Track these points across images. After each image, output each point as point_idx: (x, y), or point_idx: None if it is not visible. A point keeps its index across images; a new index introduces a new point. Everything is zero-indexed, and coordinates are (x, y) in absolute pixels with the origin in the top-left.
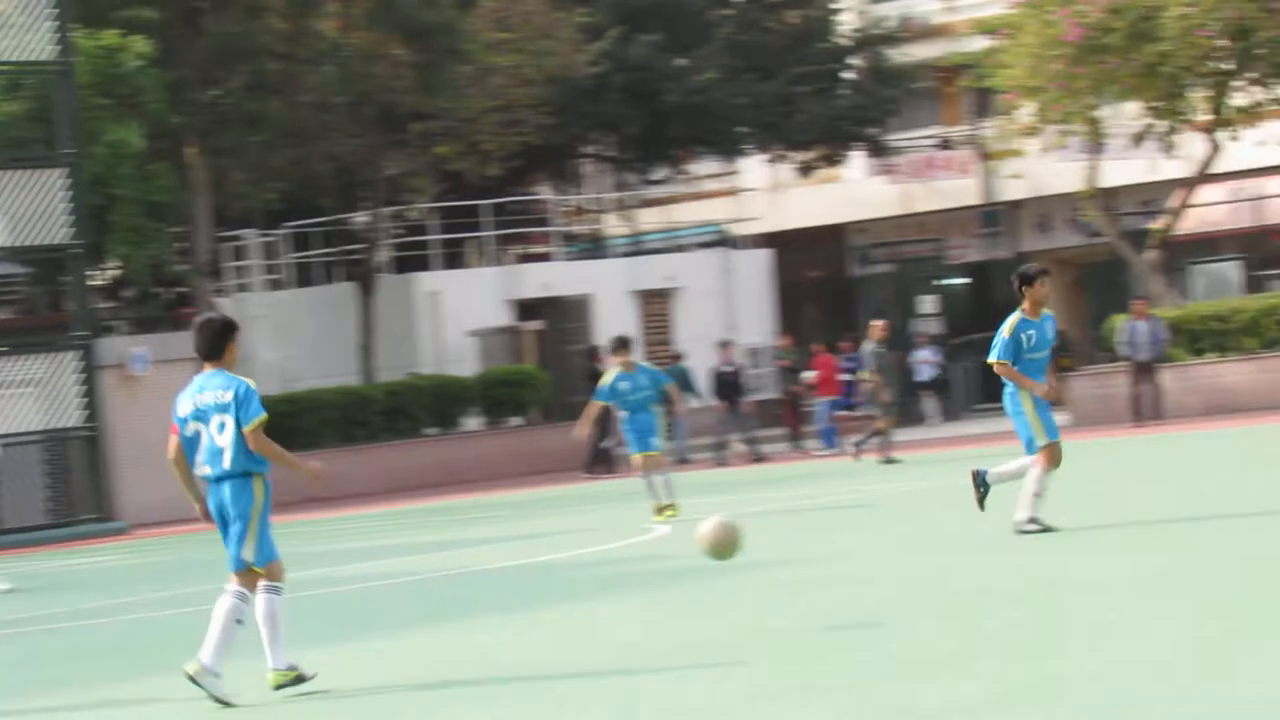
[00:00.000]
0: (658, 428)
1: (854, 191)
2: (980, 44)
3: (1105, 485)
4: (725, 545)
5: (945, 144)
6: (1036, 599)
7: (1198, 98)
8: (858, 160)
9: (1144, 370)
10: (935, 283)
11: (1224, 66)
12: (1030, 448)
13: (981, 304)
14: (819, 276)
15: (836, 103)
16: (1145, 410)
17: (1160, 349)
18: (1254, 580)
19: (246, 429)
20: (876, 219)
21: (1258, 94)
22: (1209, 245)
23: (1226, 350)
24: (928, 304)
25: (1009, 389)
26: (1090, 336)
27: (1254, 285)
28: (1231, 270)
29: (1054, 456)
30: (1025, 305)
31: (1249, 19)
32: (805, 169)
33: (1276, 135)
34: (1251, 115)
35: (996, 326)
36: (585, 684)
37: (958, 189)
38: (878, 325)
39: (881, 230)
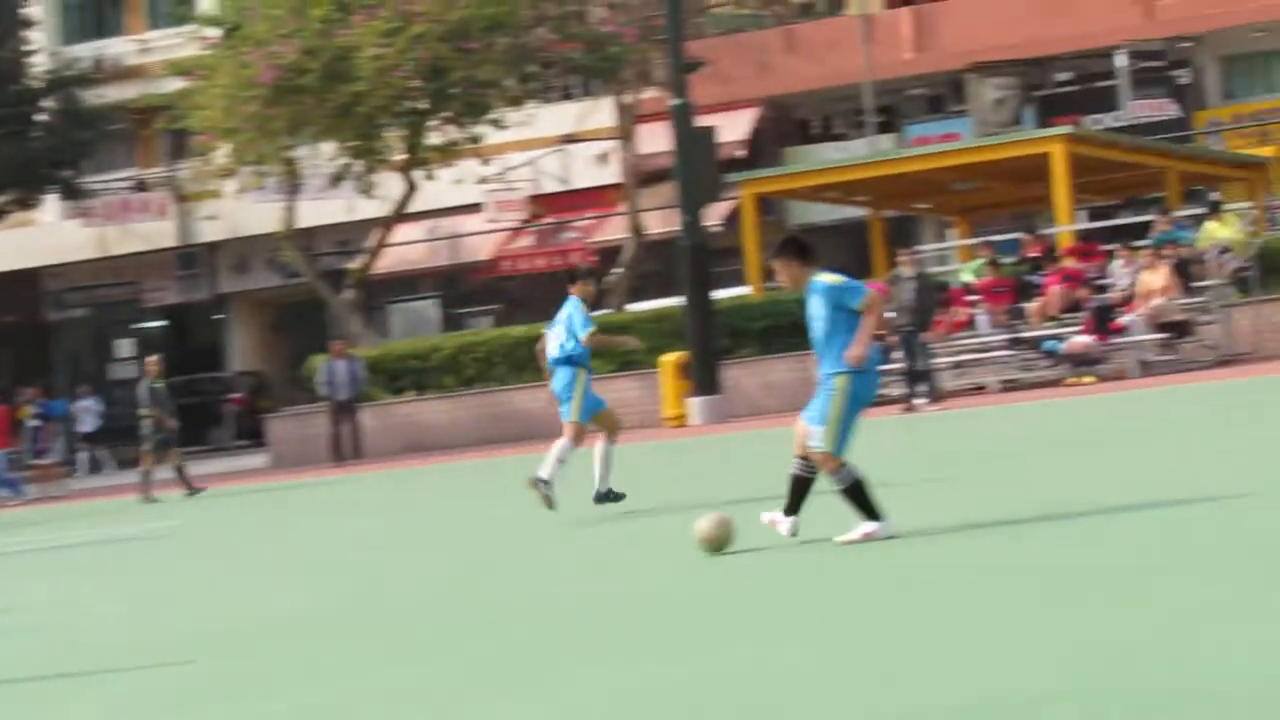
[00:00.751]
0: None
1: (48, 235)
2: (175, 85)
3: (299, 525)
4: (719, 539)
5: (142, 186)
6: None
7: (394, 137)
8: (52, 203)
9: (343, 410)
10: (133, 326)
11: (419, 106)
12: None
13: (180, 346)
14: (13, 321)
15: (30, 145)
16: (345, 450)
17: (359, 388)
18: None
19: None
20: (72, 262)
21: (452, 133)
22: (407, 284)
23: (425, 389)
24: (125, 347)
25: (567, 376)
26: (290, 377)
27: (452, 323)
28: (430, 309)
29: (580, 435)
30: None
31: (442, 59)
32: None
33: (471, 174)
34: (447, 154)
35: (196, 369)
36: None
37: (155, 231)
38: (152, 361)
39: (78, 274)
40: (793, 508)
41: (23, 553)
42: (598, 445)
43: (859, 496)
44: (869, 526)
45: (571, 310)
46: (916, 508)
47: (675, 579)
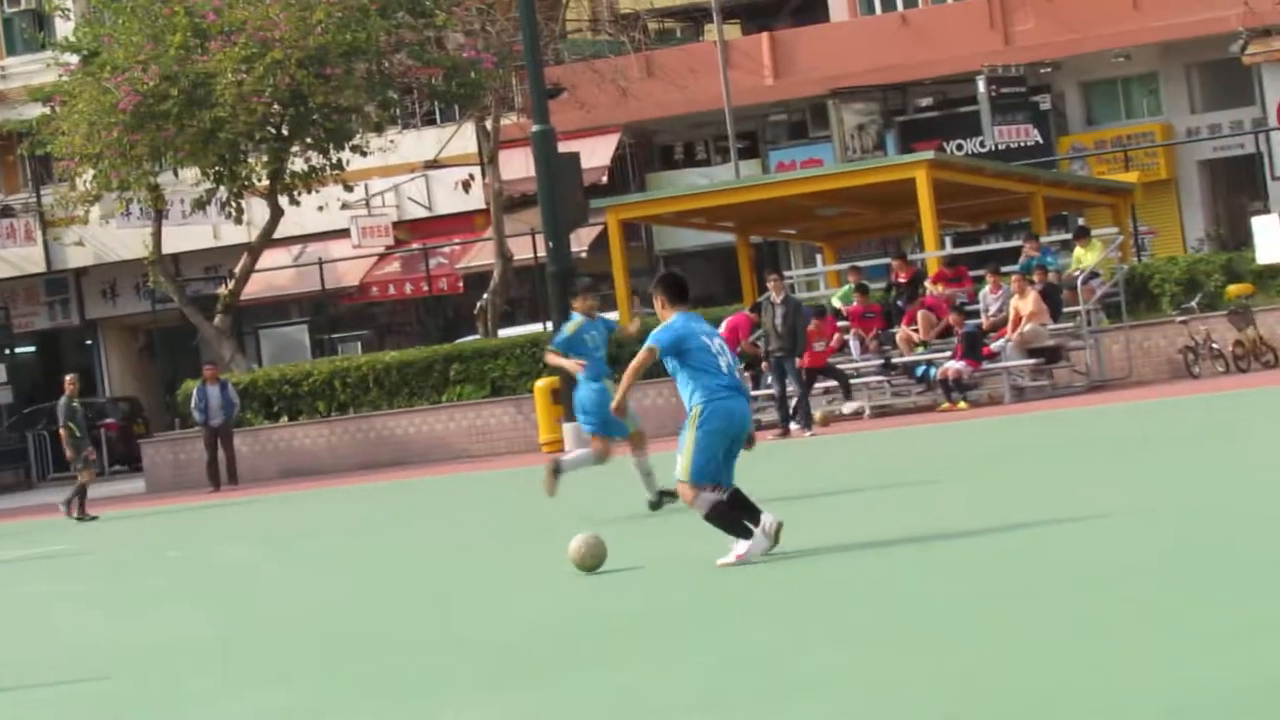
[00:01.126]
0: None
1: None
2: (36, 111)
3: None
4: (589, 557)
5: (6, 211)
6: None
7: (257, 163)
8: None
9: (218, 435)
10: (3, 352)
11: (281, 132)
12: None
13: (49, 372)
14: None
15: None
16: (221, 475)
17: (233, 413)
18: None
19: None
20: None
21: (315, 159)
22: (277, 309)
23: (299, 414)
24: None
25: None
26: (163, 402)
27: (322, 349)
28: (300, 334)
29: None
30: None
31: (301, 85)
32: None
33: (336, 200)
34: (310, 180)
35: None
36: None
37: (22, 257)
38: (71, 379)
39: None
40: (743, 531)
41: None
42: (632, 460)
43: (724, 520)
44: (740, 547)
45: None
46: (797, 532)
47: (548, 604)
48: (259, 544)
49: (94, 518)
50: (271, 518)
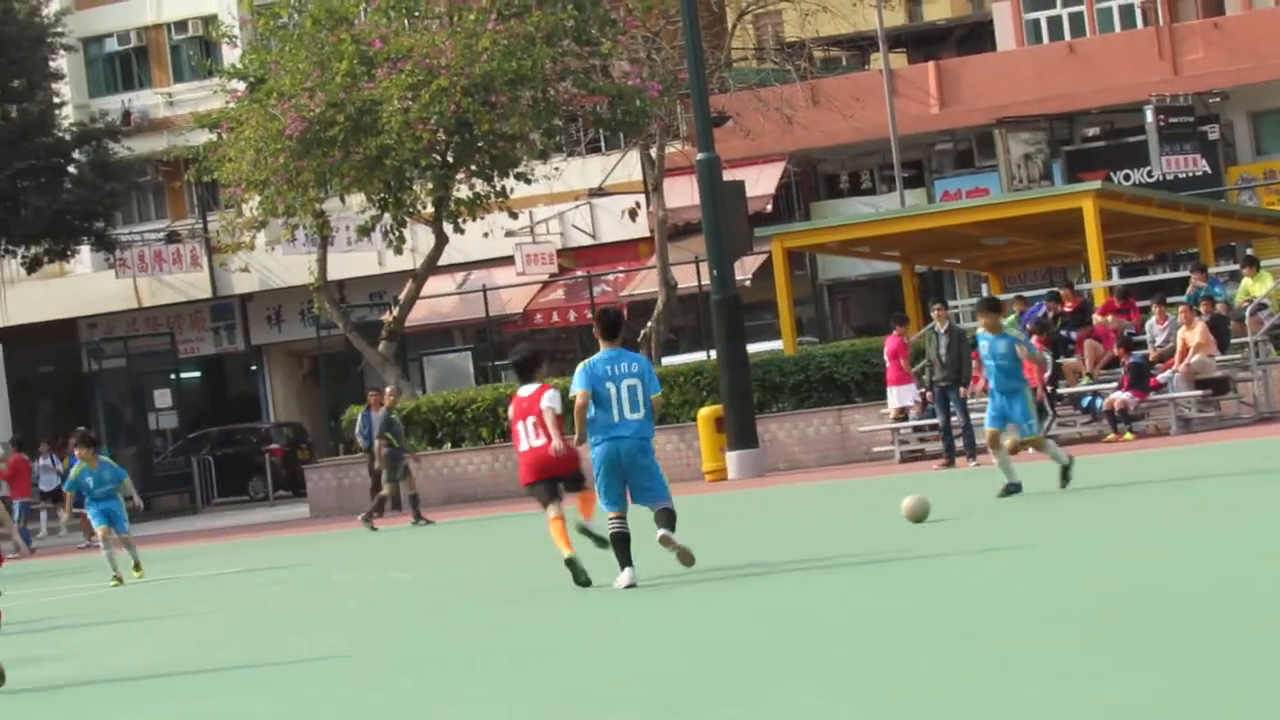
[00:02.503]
0: None
1: (83, 286)
2: (203, 138)
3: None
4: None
5: (173, 237)
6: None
7: (422, 190)
8: (86, 255)
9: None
10: (170, 376)
11: (447, 159)
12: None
13: (216, 397)
14: (52, 372)
15: (61, 197)
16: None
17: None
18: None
19: None
20: (108, 313)
21: (479, 186)
22: (441, 336)
23: (462, 441)
24: (161, 398)
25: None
26: (326, 428)
27: (486, 375)
28: (464, 360)
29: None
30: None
31: (467, 113)
32: (32, 264)
33: (500, 227)
34: (475, 207)
35: (231, 419)
36: None
37: (188, 282)
38: (389, 391)
39: (113, 325)
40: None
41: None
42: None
43: (614, 548)
44: (621, 576)
45: None
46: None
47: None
48: (420, 569)
49: (375, 529)
50: (434, 543)
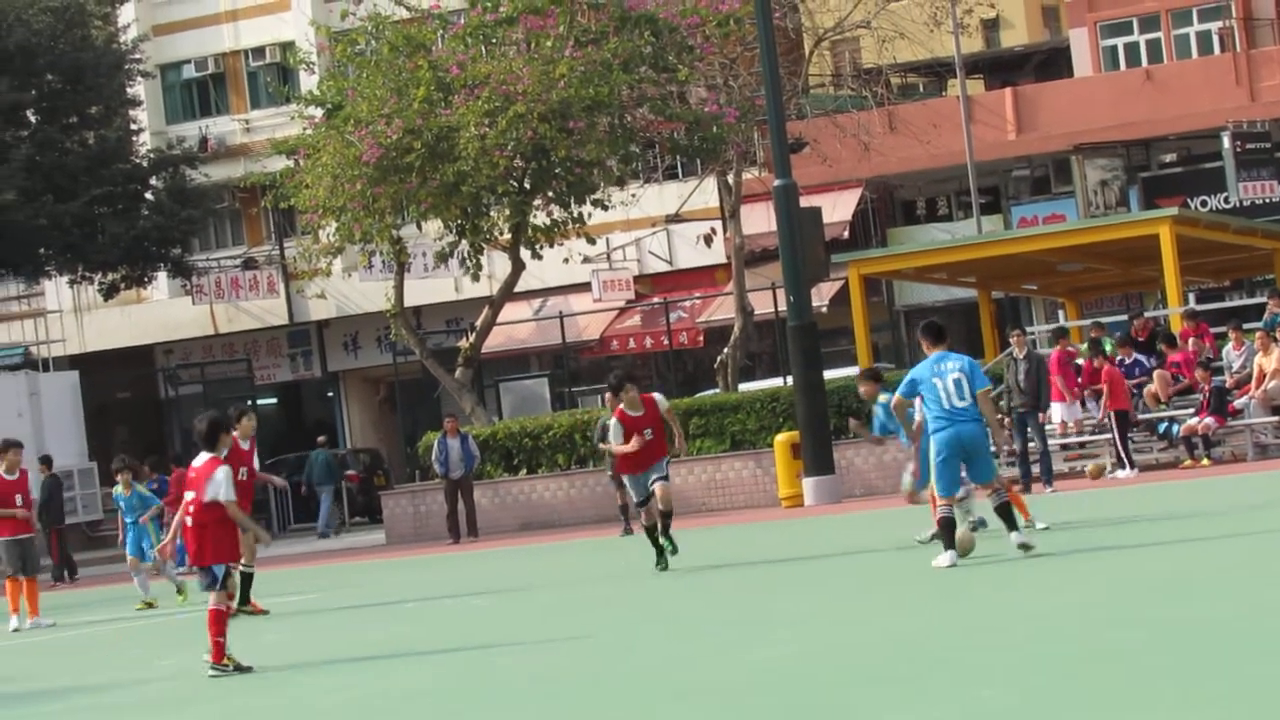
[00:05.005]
0: None
1: (161, 312)
2: (280, 164)
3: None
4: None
5: (250, 264)
6: None
7: (499, 216)
8: (163, 281)
9: (458, 487)
10: (246, 403)
11: (524, 185)
12: None
13: (292, 423)
14: (129, 398)
15: (139, 223)
16: (461, 527)
17: (473, 465)
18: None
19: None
20: (185, 339)
21: (556, 212)
22: (517, 362)
23: (539, 467)
24: None
25: None
26: (404, 454)
27: (563, 401)
28: (540, 386)
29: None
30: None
31: (544, 139)
32: (109, 290)
33: (577, 253)
34: (552, 234)
35: (307, 445)
36: None
37: (265, 309)
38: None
39: (190, 350)
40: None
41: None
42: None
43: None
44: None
45: None
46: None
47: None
48: (499, 595)
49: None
50: (514, 570)
